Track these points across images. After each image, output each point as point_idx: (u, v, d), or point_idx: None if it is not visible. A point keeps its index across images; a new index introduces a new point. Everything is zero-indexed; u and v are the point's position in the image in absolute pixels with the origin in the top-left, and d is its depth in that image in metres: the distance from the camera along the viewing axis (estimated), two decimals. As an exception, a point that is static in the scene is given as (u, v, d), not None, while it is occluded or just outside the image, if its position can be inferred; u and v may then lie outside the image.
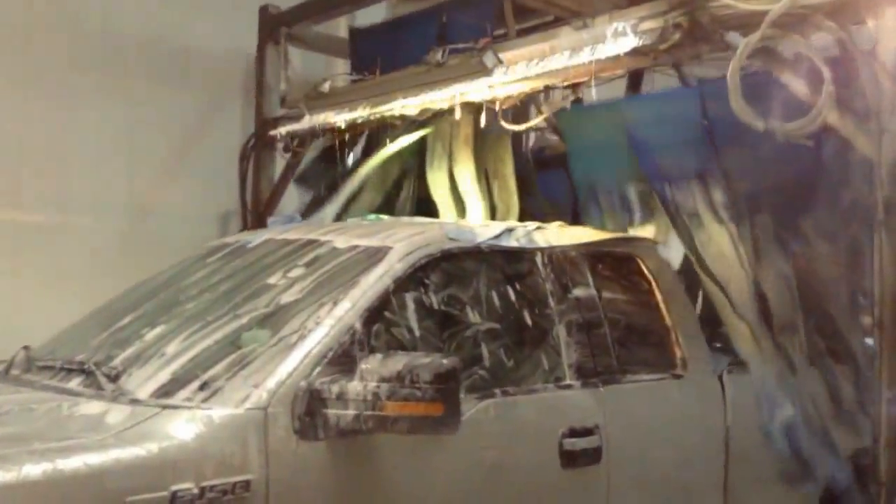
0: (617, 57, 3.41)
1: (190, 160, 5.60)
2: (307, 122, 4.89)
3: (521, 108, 4.43)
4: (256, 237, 3.40)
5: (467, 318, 2.87)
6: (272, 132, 5.25)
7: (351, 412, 2.35)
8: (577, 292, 3.16)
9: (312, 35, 5.59)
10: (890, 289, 2.77)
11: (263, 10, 5.51)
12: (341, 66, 5.63)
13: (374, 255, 2.85)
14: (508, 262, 3.10)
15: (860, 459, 3.25)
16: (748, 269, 3.50)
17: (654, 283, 3.43)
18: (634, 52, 3.35)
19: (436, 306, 2.81)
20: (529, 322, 3.02)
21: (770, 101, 3.08)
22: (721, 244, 3.55)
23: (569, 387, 2.98)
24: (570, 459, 2.88)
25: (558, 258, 3.21)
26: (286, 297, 2.78)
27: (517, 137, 4.61)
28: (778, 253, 3.50)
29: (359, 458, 2.49)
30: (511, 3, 4.22)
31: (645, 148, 3.78)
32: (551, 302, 3.07)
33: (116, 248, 5.13)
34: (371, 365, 2.38)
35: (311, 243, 3.09)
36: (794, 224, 3.49)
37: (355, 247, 2.95)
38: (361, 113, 4.56)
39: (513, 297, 3.02)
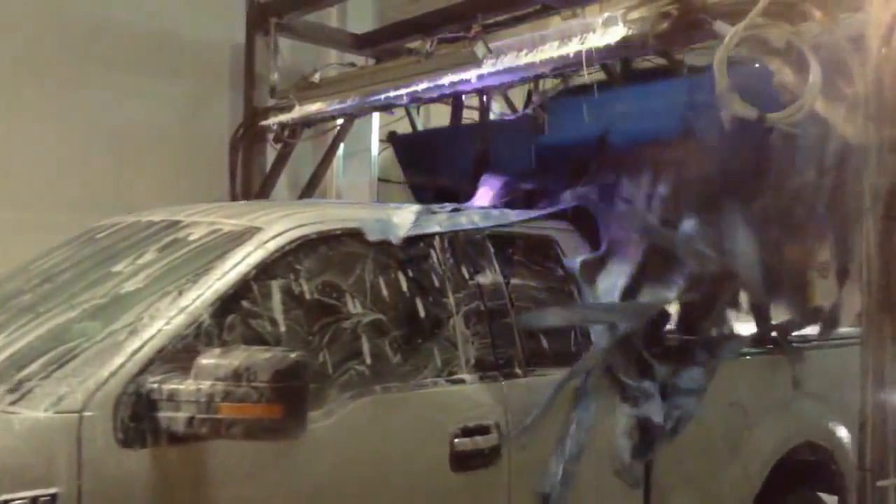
0: (607, 46, 3.28)
1: (178, 151, 5.36)
2: (297, 112, 4.79)
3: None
4: (125, 220, 3.01)
5: (346, 309, 2.51)
6: (262, 122, 5.10)
7: (183, 415, 2.02)
8: (481, 279, 2.83)
9: (302, 25, 5.39)
10: (876, 276, 2.80)
11: (250, 0, 5.37)
12: (332, 56, 5.53)
13: (238, 238, 2.47)
14: (400, 246, 2.73)
15: None
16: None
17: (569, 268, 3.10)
18: (624, 41, 3.22)
19: (308, 295, 2.44)
20: (421, 312, 2.66)
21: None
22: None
23: (463, 381, 2.65)
24: (462, 461, 2.55)
25: (460, 242, 2.86)
26: (128, 287, 2.40)
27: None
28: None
29: (197, 468, 2.12)
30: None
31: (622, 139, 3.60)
32: (448, 290, 2.74)
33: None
34: (207, 361, 2.04)
35: (174, 225, 2.72)
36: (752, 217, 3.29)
37: (218, 229, 2.59)
38: (352, 103, 4.63)
39: (403, 284, 2.67)
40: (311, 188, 5.35)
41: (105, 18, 5.14)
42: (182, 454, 2.10)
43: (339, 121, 5.05)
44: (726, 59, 2.82)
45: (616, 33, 3.28)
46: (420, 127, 5.33)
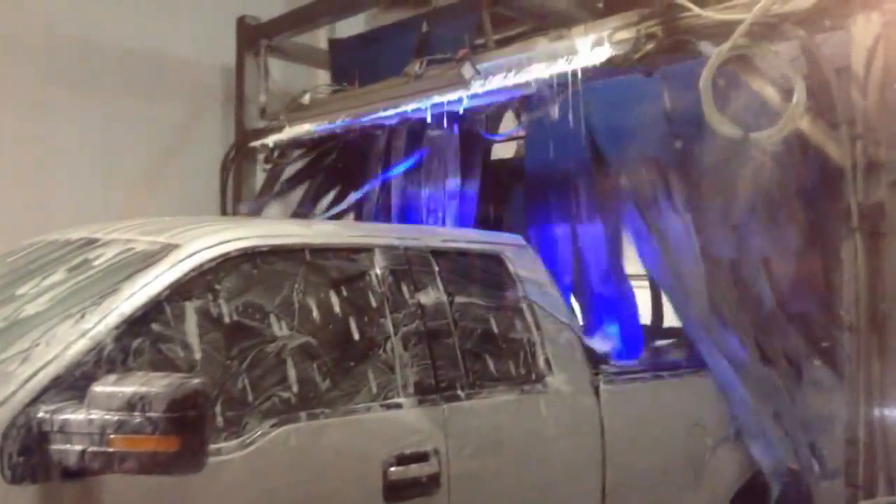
0: (594, 66, 3.29)
1: (169, 173, 5.25)
2: (287, 133, 4.70)
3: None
4: (46, 238, 2.82)
5: (271, 331, 2.30)
6: (252, 143, 5.00)
7: (75, 448, 1.82)
8: (422, 298, 2.63)
9: (292, 46, 5.28)
10: (865, 292, 2.82)
11: (240, 22, 5.22)
12: (322, 77, 5.35)
13: (152, 256, 2.26)
14: (334, 265, 2.51)
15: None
16: (700, 259, 3.29)
17: (520, 287, 2.93)
18: (609, 61, 3.22)
19: (228, 317, 2.24)
20: (355, 333, 2.45)
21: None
22: (678, 233, 3.39)
23: (399, 406, 2.43)
24: (396, 491, 2.34)
25: (399, 259, 2.65)
26: (29, 309, 2.20)
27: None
28: (725, 245, 3.34)
29: (95, 505, 1.84)
30: (489, 14, 4.29)
31: (604, 133, 3.69)
32: (386, 309, 2.53)
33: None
34: (101, 389, 1.83)
35: (90, 244, 2.53)
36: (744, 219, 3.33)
37: (132, 247, 2.39)
38: (341, 124, 4.63)
39: (336, 304, 2.46)
40: (301, 208, 5.34)
41: (94, 40, 4.99)
42: (77, 491, 1.89)
43: (330, 142, 5.03)
44: (711, 79, 2.83)
45: (602, 54, 3.29)
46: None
